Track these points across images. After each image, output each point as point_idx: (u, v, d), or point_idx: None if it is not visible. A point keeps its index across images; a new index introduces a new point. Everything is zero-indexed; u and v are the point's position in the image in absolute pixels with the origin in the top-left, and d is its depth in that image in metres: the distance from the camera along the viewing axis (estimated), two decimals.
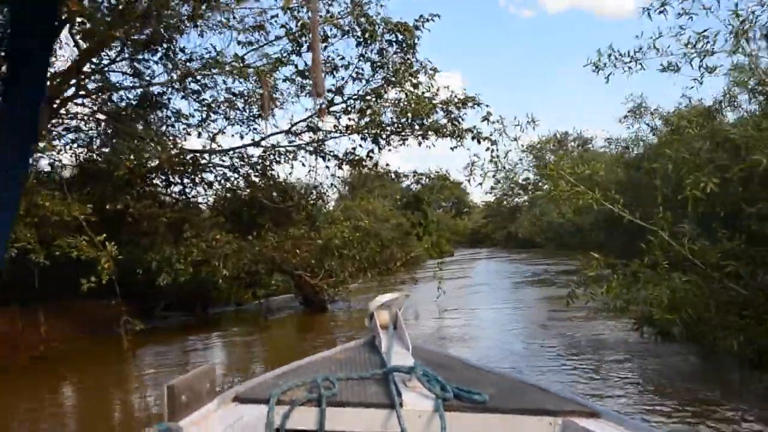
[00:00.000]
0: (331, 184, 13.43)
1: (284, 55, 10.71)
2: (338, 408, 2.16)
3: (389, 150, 12.41)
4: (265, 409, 2.10)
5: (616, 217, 7.40)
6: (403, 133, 11.83)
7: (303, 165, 13.31)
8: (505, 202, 67.23)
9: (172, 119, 13.08)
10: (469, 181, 8.11)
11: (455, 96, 11.25)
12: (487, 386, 2.24)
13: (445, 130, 11.15)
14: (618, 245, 11.49)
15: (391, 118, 11.21)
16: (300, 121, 12.27)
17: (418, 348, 2.84)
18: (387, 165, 12.85)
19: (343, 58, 11.09)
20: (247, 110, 12.97)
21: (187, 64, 11.45)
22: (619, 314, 8.21)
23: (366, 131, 11.32)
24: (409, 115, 10.91)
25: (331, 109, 11.73)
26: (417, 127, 11.13)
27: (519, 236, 53.73)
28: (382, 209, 20.46)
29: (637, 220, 7.04)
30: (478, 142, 10.87)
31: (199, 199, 14.14)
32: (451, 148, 11.91)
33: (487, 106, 11.16)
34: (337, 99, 11.57)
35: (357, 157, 12.43)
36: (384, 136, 11.74)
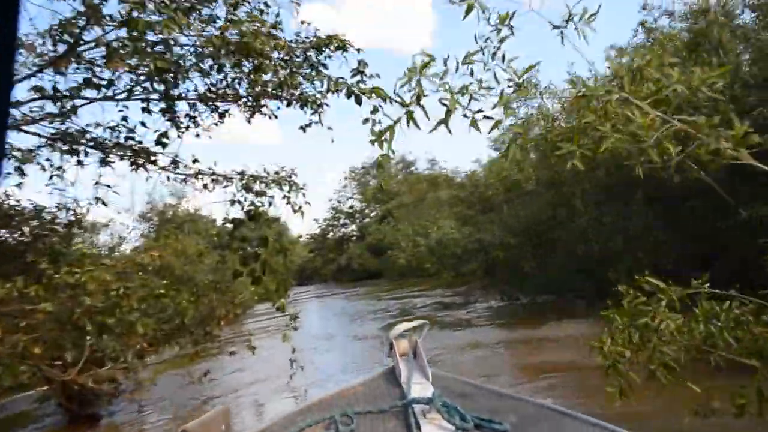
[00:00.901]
0: (96, 199, 7.63)
1: None
2: None
3: (197, 135, 7.26)
4: None
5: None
6: (217, 98, 6.77)
7: (43, 169, 7.43)
8: (331, 234, 63.65)
9: None
10: (384, 142, 3.34)
11: (307, 31, 6.57)
12: (508, 414, 2.13)
13: (294, 84, 6.36)
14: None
15: (195, 50, 6.00)
16: (24, 78, 6.50)
17: (438, 376, 2.67)
18: (195, 161, 7.53)
19: None
20: None
21: None
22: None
23: (147, 84, 6.01)
24: (227, 51, 5.86)
25: (78, 49, 6.21)
26: (246, 72, 6.11)
27: (351, 268, 50.09)
28: (196, 248, 15.14)
29: None
30: (358, 102, 6.23)
31: None
32: (302, 127, 7.17)
33: (359, 50, 6.66)
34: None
35: (137, 146, 6.98)
36: (187, 102, 6.56)
